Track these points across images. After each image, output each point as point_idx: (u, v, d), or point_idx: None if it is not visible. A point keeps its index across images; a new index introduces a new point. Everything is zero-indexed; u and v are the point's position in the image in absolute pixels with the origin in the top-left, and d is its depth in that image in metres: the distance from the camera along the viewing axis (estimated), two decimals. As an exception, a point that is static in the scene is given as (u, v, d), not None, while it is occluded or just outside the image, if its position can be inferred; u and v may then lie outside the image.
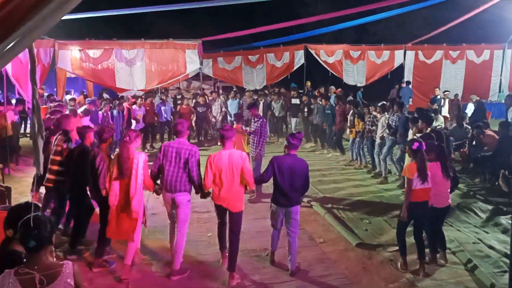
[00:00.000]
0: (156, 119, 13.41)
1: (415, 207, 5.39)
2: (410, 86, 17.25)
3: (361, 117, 10.69)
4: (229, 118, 14.08)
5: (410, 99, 16.83)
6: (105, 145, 5.62)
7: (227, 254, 5.38)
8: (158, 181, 5.41)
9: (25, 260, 2.61)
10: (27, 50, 2.31)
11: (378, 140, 9.96)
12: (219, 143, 5.49)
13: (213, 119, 14.19)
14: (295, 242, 5.43)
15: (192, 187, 5.29)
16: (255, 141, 8.23)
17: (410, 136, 8.59)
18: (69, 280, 2.60)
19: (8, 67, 10.35)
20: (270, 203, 5.55)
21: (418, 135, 7.65)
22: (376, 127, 10.10)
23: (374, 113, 10.44)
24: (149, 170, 5.35)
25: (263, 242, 6.13)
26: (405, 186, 5.43)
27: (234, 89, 16.11)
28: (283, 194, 5.29)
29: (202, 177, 5.23)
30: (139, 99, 12.97)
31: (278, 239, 5.62)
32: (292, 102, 14.38)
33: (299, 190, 5.39)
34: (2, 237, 3.16)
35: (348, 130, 11.44)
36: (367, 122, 10.39)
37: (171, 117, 13.93)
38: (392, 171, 9.99)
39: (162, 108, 13.46)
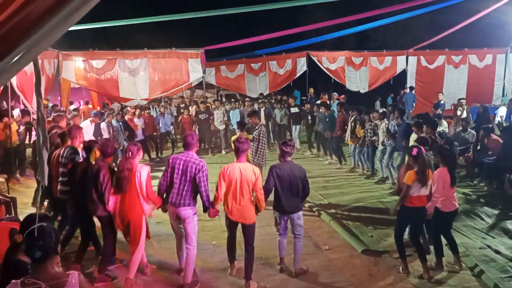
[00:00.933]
0: (156, 130, 13.56)
1: (411, 213, 5.48)
2: (413, 91, 17.25)
3: (362, 124, 10.66)
4: (230, 127, 14.13)
5: (414, 104, 16.84)
6: (109, 159, 5.56)
7: (235, 265, 5.43)
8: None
9: (30, 270, 2.62)
10: (32, 62, 2.34)
11: (380, 147, 9.96)
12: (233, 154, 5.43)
13: (216, 127, 14.22)
14: (300, 242, 5.51)
15: (197, 201, 5.19)
16: (253, 149, 8.37)
17: (411, 143, 8.57)
18: None
19: (13, 78, 10.42)
20: (273, 210, 5.58)
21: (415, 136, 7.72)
22: (377, 135, 10.10)
23: (375, 121, 10.32)
24: (158, 183, 5.27)
25: (267, 250, 6.12)
26: (403, 191, 5.44)
27: (232, 100, 16.19)
28: (283, 201, 5.33)
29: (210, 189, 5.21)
30: (137, 110, 13.00)
31: (285, 245, 5.62)
32: (292, 111, 14.39)
33: (299, 196, 5.41)
34: (7, 247, 3.18)
35: (347, 136, 11.29)
36: (368, 129, 10.37)
37: (172, 127, 14.03)
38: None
39: (161, 120, 13.60)
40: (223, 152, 14.09)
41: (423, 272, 5.44)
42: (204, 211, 5.20)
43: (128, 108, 13.70)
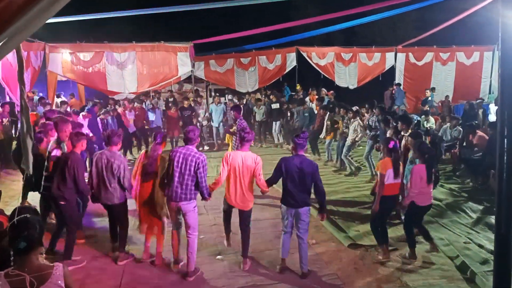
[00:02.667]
0: (146, 124, 13.54)
1: (384, 201, 5.76)
2: (401, 87, 17.37)
3: (336, 122, 11.24)
4: (211, 123, 14.23)
5: (404, 100, 16.97)
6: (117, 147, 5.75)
7: (230, 236, 5.90)
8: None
9: (13, 262, 2.59)
10: (15, 52, 2.31)
11: (348, 142, 10.47)
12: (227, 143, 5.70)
13: (199, 123, 14.20)
14: (305, 244, 5.45)
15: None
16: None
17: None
18: (59, 282, 2.59)
19: (-2, 71, 10.27)
20: (280, 204, 5.54)
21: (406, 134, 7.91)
22: (348, 130, 10.61)
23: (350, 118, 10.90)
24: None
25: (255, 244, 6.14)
26: (378, 180, 5.81)
27: (217, 94, 16.23)
28: (291, 195, 5.31)
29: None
30: (129, 104, 12.97)
31: (288, 245, 5.54)
32: (272, 107, 14.50)
33: (308, 191, 5.37)
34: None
35: (324, 133, 11.82)
36: (344, 125, 10.94)
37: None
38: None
39: (151, 115, 13.52)
40: (205, 147, 14.05)
41: (379, 252, 5.87)
42: (203, 199, 5.40)
43: (121, 101, 13.61)
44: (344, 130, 10.80)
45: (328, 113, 11.65)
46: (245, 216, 5.54)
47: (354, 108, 11.28)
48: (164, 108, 15.25)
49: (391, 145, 5.77)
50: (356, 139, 10.38)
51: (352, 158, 10.88)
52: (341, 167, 11.01)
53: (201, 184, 5.17)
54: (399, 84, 17.34)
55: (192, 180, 5.14)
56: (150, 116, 13.59)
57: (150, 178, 5.59)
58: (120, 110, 12.48)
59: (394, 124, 8.61)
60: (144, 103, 14.86)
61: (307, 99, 15.65)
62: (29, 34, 1.90)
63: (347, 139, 10.52)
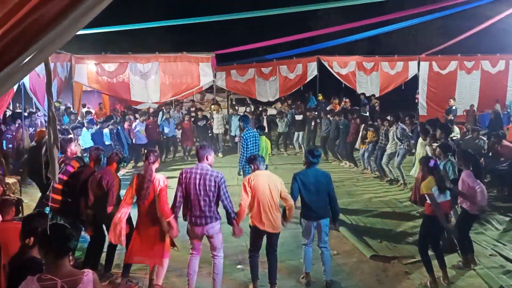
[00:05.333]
0: (160, 135, 13.76)
1: (433, 221, 5.35)
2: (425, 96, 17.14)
3: (376, 130, 11.14)
4: (229, 133, 14.43)
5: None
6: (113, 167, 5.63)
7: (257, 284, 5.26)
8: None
9: (45, 267, 2.66)
10: (43, 64, 2.38)
11: (388, 151, 10.34)
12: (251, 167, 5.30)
13: (214, 131, 14.34)
14: (328, 252, 5.40)
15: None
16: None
17: (419, 146, 8.76)
18: (89, 287, 2.64)
19: (26, 81, 10.58)
20: (300, 219, 5.46)
21: (435, 144, 7.94)
22: (387, 138, 10.51)
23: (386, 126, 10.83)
24: (174, 197, 4.94)
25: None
26: (430, 201, 5.34)
27: (233, 103, 16.37)
28: (311, 208, 5.24)
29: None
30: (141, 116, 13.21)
31: (311, 258, 5.46)
32: (296, 118, 14.58)
33: (326, 201, 5.33)
34: (18, 246, 3.22)
35: (358, 141, 11.78)
36: (381, 134, 10.79)
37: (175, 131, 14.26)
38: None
39: (165, 126, 13.70)
40: (220, 155, 14.06)
41: (442, 278, 5.38)
42: (229, 223, 4.97)
43: (128, 116, 13.85)
44: (380, 139, 10.76)
45: (363, 123, 11.72)
46: (274, 240, 5.17)
47: (390, 118, 11.17)
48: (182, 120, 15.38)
49: (431, 163, 5.46)
50: (395, 146, 10.25)
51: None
52: (380, 174, 10.96)
53: (225, 202, 4.82)
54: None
55: (213, 201, 4.80)
56: (165, 126, 13.74)
57: (147, 201, 4.98)
58: (126, 124, 12.77)
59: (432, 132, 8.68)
60: (162, 112, 15.03)
61: (328, 108, 15.62)
62: (59, 47, 1.96)
63: (387, 147, 10.40)
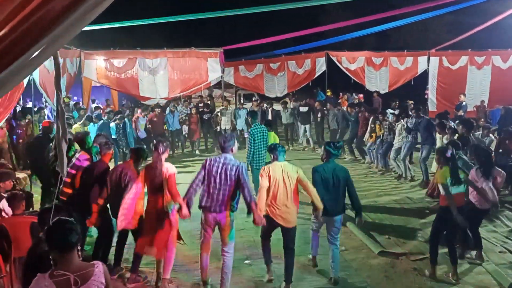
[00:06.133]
0: (165, 128, 13.97)
1: (447, 213, 5.32)
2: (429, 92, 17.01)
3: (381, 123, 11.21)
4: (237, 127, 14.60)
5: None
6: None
7: (271, 267, 5.31)
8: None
9: (53, 262, 2.66)
10: (52, 58, 2.39)
11: (396, 146, 10.41)
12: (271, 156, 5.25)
13: (222, 127, 14.39)
14: (338, 248, 5.40)
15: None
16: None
17: (438, 140, 8.77)
18: (101, 279, 2.66)
19: (36, 76, 10.64)
20: (313, 212, 5.38)
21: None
22: (394, 133, 10.57)
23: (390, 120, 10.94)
24: (189, 186, 4.97)
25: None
26: (444, 191, 5.33)
27: (241, 100, 16.41)
28: (327, 203, 5.15)
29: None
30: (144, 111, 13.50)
31: (318, 243, 5.60)
32: (301, 110, 14.64)
33: (343, 197, 5.30)
34: (29, 240, 3.24)
35: (368, 136, 11.81)
36: (385, 128, 10.87)
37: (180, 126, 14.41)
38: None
39: (169, 118, 13.88)
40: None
41: (452, 274, 5.36)
42: (249, 212, 4.89)
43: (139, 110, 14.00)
44: (385, 133, 10.85)
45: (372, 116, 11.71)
46: (290, 235, 5.10)
47: (397, 111, 11.21)
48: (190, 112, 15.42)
49: (448, 154, 5.40)
50: (401, 139, 10.35)
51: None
52: (384, 169, 11.09)
53: (245, 190, 4.79)
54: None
55: (231, 190, 4.83)
56: (169, 119, 13.91)
57: (158, 191, 5.11)
58: (134, 117, 13.10)
59: (452, 127, 8.77)
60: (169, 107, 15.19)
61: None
62: (66, 41, 1.97)
63: (394, 142, 10.50)
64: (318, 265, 5.74)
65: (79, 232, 2.68)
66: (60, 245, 2.60)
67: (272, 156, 5.22)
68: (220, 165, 4.87)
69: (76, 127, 10.41)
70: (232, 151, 5.01)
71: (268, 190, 4.94)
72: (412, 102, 15.92)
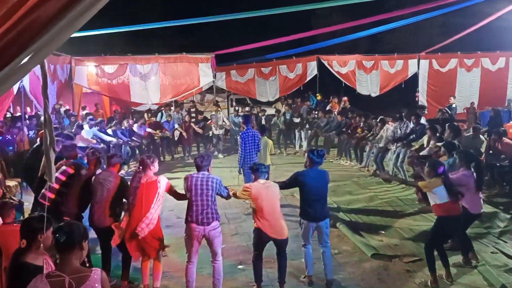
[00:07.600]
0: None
1: (445, 222, 5.32)
2: (425, 94, 17.16)
3: (369, 129, 11.62)
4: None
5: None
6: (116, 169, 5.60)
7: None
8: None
9: (55, 265, 2.72)
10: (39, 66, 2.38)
11: (393, 149, 10.46)
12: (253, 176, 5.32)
13: (214, 131, 14.17)
14: (329, 251, 5.43)
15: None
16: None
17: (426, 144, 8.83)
18: (96, 285, 2.65)
19: (26, 84, 10.60)
20: (300, 220, 5.44)
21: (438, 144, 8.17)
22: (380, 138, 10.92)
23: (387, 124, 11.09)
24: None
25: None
26: (433, 202, 5.37)
27: (234, 106, 16.48)
28: (312, 209, 5.22)
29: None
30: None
31: (311, 259, 5.46)
32: (294, 121, 14.67)
33: (326, 202, 5.38)
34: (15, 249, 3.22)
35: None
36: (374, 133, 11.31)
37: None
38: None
39: (167, 126, 13.80)
40: (220, 156, 13.92)
41: (446, 276, 5.37)
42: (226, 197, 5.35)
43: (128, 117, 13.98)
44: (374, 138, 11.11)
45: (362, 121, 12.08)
46: (282, 245, 5.17)
47: (380, 118, 11.49)
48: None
49: (440, 170, 5.27)
50: (389, 146, 10.57)
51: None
52: (376, 172, 11.15)
53: (221, 191, 5.16)
54: None
55: (213, 201, 5.00)
56: (166, 127, 13.79)
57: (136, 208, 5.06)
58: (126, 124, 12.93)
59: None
60: (161, 113, 15.12)
61: (328, 107, 15.62)
62: (54, 48, 1.96)
63: (379, 145, 10.79)
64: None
65: (81, 235, 2.70)
66: (57, 245, 2.66)
67: (253, 176, 5.25)
68: (200, 179, 5.01)
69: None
70: (208, 170, 5.14)
71: (259, 209, 5.01)
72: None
